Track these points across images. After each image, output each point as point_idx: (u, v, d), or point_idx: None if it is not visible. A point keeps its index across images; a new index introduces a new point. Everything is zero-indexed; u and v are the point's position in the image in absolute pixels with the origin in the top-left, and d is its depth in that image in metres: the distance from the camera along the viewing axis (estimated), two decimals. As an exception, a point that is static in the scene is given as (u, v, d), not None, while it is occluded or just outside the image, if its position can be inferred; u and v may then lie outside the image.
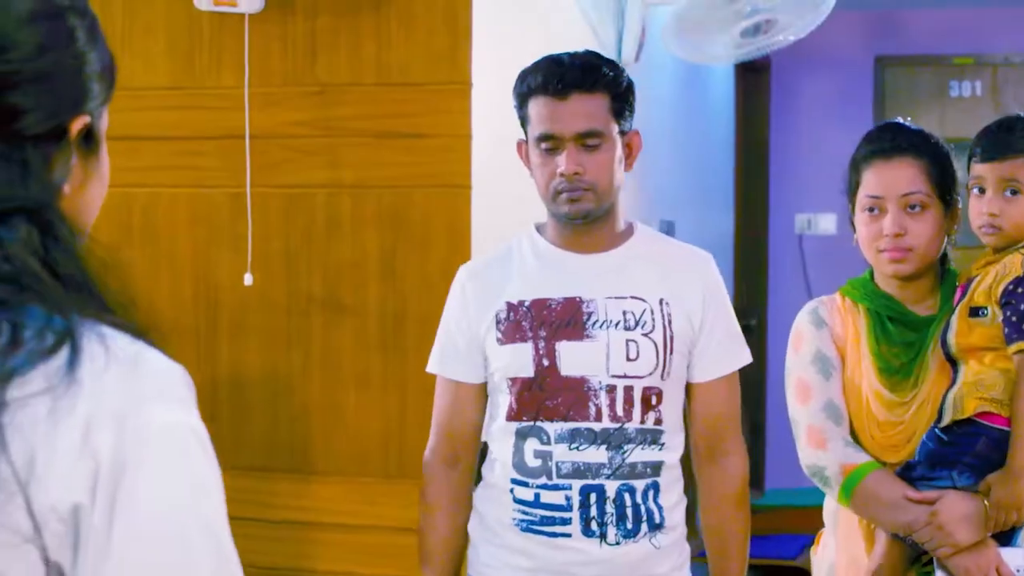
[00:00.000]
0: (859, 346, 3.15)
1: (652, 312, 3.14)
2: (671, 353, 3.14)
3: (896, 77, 8.78)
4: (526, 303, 3.16)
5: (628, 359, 3.11)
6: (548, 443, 3.11)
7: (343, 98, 4.07)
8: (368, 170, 4.05)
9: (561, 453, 3.10)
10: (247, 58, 4.10)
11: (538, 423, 3.12)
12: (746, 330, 9.15)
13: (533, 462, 3.13)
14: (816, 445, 3.11)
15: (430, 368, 3.30)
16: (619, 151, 3.14)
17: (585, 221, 3.14)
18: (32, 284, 1.31)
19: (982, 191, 3.05)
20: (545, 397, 3.12)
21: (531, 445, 3.14)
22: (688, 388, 3.23)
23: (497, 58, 4.08)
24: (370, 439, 4.05)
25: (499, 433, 3.20)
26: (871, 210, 3.10)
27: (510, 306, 3.17)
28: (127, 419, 1.28)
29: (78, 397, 1.27)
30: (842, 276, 3.35)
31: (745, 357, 3.29)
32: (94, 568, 1.27)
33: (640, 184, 5.64)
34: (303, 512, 4.10)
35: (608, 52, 5.08)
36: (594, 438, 3.10)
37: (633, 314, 3.13)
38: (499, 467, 3.20)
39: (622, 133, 3.15)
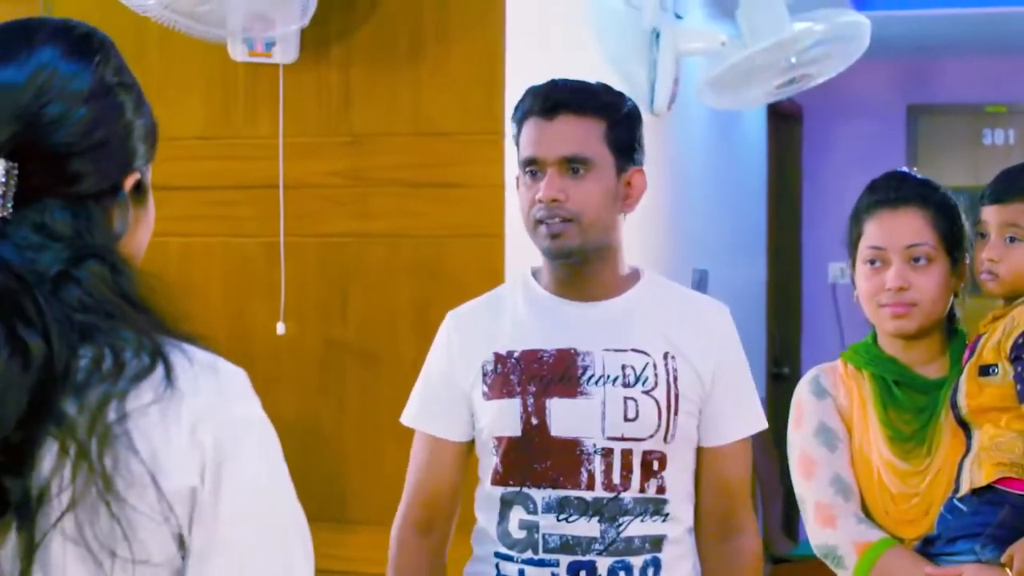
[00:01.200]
0: (866, 414, 2.94)
1: (655, 367, 2.80)
2: (675, 413, 2.79)
3: (928, 125, 8.78)
4: (515, 354, 2.83)
5: (626, 419, 2.77)
6: (534, 512, 2.78)
7: (377, 148, 4.08)
8: (402, 219, 4.06)
9: (548, 524, 2.77)
10: (282, 108, 4.12)
11: (524, 489, 2.79)
12: (779, 379, 9.13)
13: (518, 533, 2.81)
14: (825, 523, 2.90)
15: (405, 420, 3.00)
16: (613, 185, 2.80)
17: (570, 261, 2.81)
18: (116, 312, 1.60)
19: (984, 236, 2.91)
20: (532, 460, 2.78)
21: (516, 514, 2.80)
22: (698, 453, 2.89)
23: (530, 108, 4.09)
24: (404, 488, 4.05)
25: (484, 499, 2.89)
26: (872, 262, 2.91)
27: (498, 357, 2.84)
28: (219, 414, 1.61)
29: (182, 402, 1.59)
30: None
31: (761, 422, 2.95)
32: (207, 535, 1.58)
33: (673, 233, 5.65)
34: (339, 561, 4.09)
35: (641, 102, 5.09)
36: (585, 508, 2.76)
37: (633, 369, 2.79)
38: (485, 538, 2.89)
39: (621, 170, 2.82)
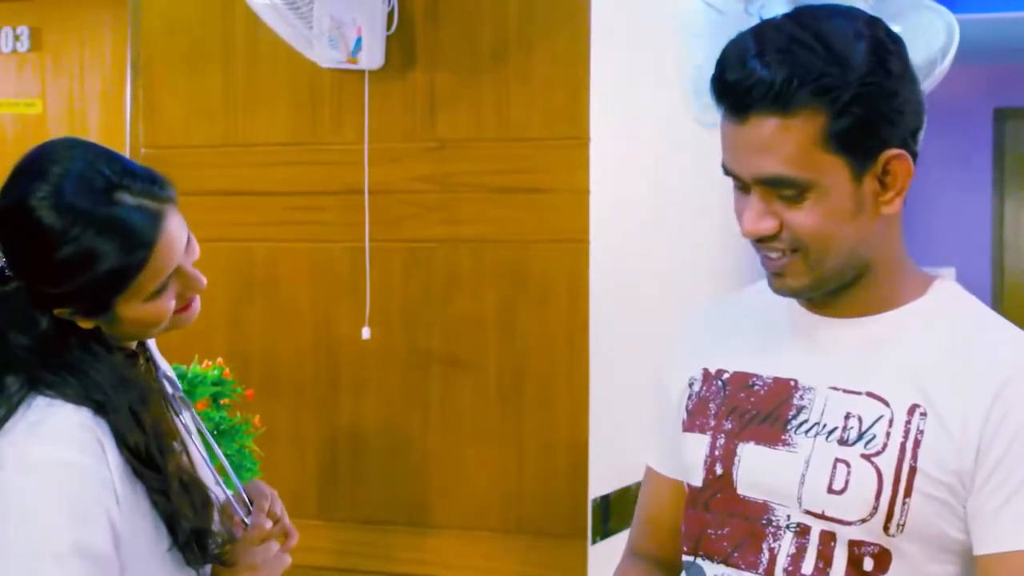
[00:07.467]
0: None
1: (891, 423, 1.92)
2: (907, 495, 1.89)
3: (1016, 129, 8.69)
4: (726, 375, 2.09)
5: (830, 489, 1.93)
6: None
7: (462, 153, 4.08)
8: (487, 225, 4.06)
9: None
10: (367, 114, 4.13)
11: (697, 559, 2.07)
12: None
13: None
14: None
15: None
16: (848, 196, 1.95)
17: (813, 297, 2.04)
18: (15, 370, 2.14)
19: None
20: (708, 522, 2.05)
21: None
22: (977, 563, 1.93)
23: (615, 113, 4.08)
24: (488, 494, 4.04)
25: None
26: None
27: (705, 375, 2.12)
28: (12, 449, 2.04)
29: None
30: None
31: None
32: None
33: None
34: (422, 565, 4.09)
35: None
36: None
37: (860, 420, 1.94)
38: None
39: (864, 168, 1.96)
